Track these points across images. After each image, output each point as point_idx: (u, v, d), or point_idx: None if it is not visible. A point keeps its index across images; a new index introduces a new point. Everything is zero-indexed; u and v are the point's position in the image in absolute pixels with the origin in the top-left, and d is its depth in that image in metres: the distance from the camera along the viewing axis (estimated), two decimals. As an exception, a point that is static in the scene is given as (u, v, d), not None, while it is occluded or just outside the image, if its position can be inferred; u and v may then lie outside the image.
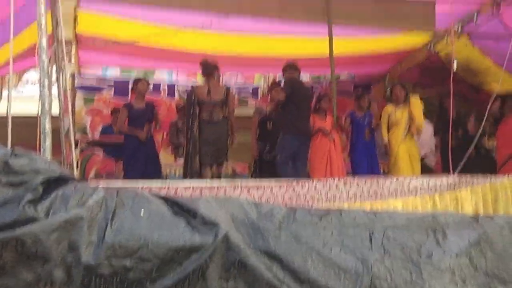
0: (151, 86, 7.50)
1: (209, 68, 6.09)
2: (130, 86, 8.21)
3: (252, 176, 6.99)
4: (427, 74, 7.77)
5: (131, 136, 6.49)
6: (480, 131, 5.12)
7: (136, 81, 6.91)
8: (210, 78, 6.03)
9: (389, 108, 6.58)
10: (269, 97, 7.22)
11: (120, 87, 8.76)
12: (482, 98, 6.86)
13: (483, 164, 6.10)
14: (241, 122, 7.81)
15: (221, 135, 5.88)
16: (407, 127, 6.38)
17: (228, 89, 6.09)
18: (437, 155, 7.23)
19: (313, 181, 3.81)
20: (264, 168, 6.75)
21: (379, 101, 8.95)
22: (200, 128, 5.78)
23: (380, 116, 6.85)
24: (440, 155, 6.96)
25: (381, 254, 2.43)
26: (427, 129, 7.17)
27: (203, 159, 5.73)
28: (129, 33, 6.54)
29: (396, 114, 6.46)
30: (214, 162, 5.92)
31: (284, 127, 6.20)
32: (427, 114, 6.73)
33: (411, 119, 6.33)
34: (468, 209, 3.70)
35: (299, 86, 6.41)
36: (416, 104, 6.39)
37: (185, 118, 6.40)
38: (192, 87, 6.27)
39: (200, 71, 6.44)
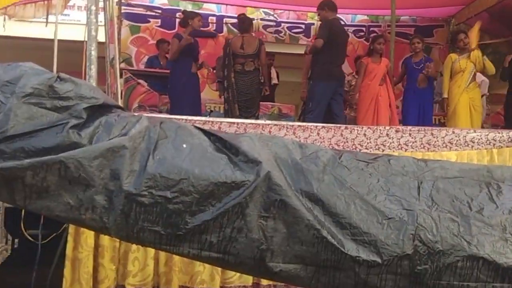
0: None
1: (246, 23, 6.57)
2: (177, 18, 8.07)
3: (299, 119, 6.85)
4: (497, 21, 7.23)
5: (177, 74, 6.43)
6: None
7: (192, 16, 6.75)
8: (245, 32, 6.45)
9: (453, 56, 6.18)
10: None
11: (167, 18, 8.62)
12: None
13: None
14: (291, 60, 7.63)
15: (252, 84, 6.28)
16: (471, 77, 5.99)
17: (260, 43, 6.42)
18: (498, 108, 6.83)
19: (362, 127, 3.68)
20: None
21: (441, 47, 8.52)
22: (235, 78, 6.23)
23: (442, 63, 6.45)
24: (504, 108, 6.57)
25: (429, 205, 2.34)
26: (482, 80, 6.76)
27: (240, 108, 6.15)
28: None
29: (460, 62, 6.06)
30: (247, 113, 6.22)
31: (316, 73, 6.05)
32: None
33: (481, 65, 5.94)
34: (529, 166, 3.49)
35: (336, 29, 6.08)
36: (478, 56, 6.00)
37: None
38: (226, 40, 6.63)
39: (238, 24, 6.86)
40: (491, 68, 6.07)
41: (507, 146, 3.57)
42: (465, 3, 7.79)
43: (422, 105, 6.39)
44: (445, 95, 6.12)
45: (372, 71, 6.38)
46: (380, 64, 6.42)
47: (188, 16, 6.81)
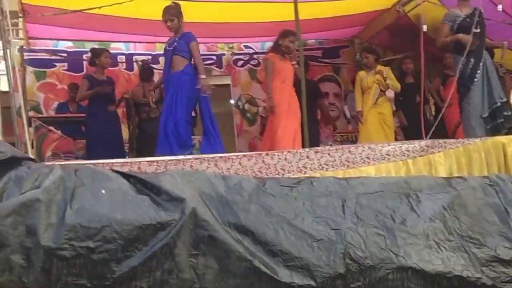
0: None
1: (148, 72, 6.83)
2: (84, 60, 7.85)
3: None
4: (397, 37, 7.60)
5: (94, 114, 6.21)
6: (448, 100, 5.04)
7: (98, 53, 6.50)
8: (146, 81, 6.63)
9: (362, 73, 6.42)
10: None
11: (74, 61, 8.35)
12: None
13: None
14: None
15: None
16: (377, 92, 6.23)
17: (162, 90, 6.46)
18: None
19: (283, 152, 3.71)
20: None
21: (349, 66, 8.87)
22: (140, 125, 6.51)
23: (351, 82, 6.60)
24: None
25: (354, 222, 2.39)
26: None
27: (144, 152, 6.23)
28: (80, 2, 6.16)
29: (368, 79, 6.30)
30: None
31: None
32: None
33: (384, 84, 6.17)
34: (442, 172, 3.65)
35: None
36: (385, 71, 6.26)
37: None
38: (128, 92, 6.77)
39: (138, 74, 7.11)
40: (395, 86, 6.32)
41: (420, 156, 3.74)
42: (365, 23, 8.17)
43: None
44: (359, 108, 6.31)
45: (282, 71, 5.44)
46: (290, 64, 5.52)
47: (94, 54, 6.54)
